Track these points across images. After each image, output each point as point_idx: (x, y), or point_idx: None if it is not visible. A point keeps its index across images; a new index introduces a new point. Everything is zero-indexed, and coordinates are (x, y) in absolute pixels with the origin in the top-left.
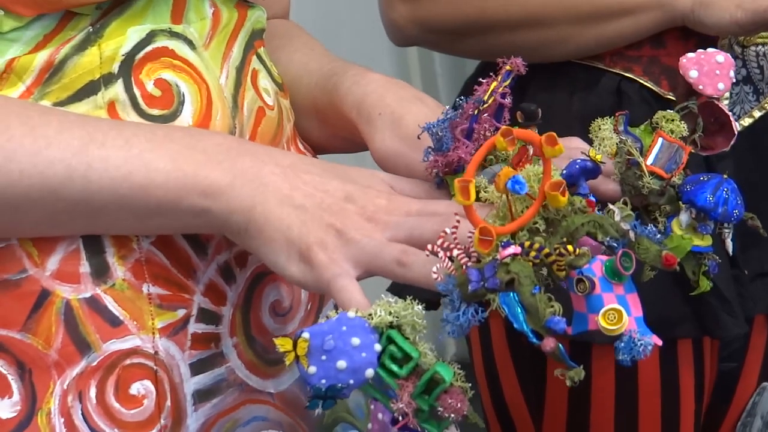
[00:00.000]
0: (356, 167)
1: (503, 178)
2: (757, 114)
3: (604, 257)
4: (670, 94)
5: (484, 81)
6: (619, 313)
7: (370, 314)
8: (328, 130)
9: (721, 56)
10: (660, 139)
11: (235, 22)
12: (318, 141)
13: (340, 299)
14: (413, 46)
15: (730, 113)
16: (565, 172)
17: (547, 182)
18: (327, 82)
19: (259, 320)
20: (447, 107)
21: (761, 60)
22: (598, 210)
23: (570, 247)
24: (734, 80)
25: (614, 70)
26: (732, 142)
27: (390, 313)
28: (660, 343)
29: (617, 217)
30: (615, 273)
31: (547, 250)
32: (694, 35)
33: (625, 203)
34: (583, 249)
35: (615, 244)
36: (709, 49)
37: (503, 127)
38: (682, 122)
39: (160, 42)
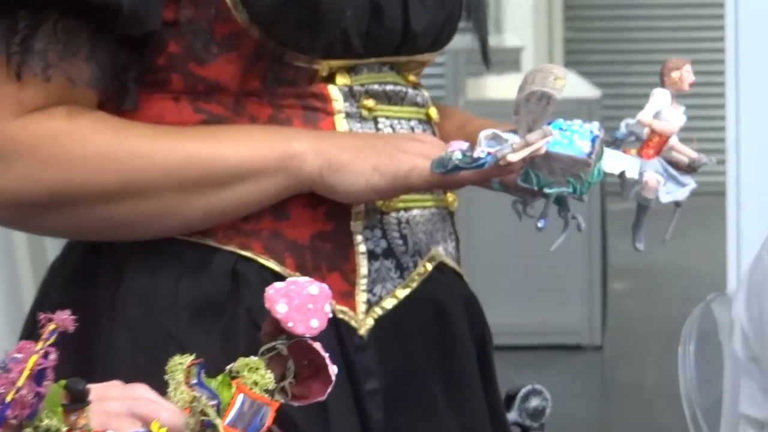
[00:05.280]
0: None
1: None
2: (401, 294)
3: None
4: (297, 273)
5: (19, 356)
6: None
7: None
8: None
9: (315, 287)
10: (241, 396)
11: None
12: None
13: None
14: None
15: (326, 355)
16: None
17: None
18: None
19: None
20: None
21: (404, 228)
22: None
23: None
24: (330, 315)
25: (228, 248)
26: (329, 390)
27: None
28: None
29: None
30: None
31: None
32: (325, 202)
33: None
34: None
35: None
36: (300, 279)
37: None
38: (269, 371)
39: None
